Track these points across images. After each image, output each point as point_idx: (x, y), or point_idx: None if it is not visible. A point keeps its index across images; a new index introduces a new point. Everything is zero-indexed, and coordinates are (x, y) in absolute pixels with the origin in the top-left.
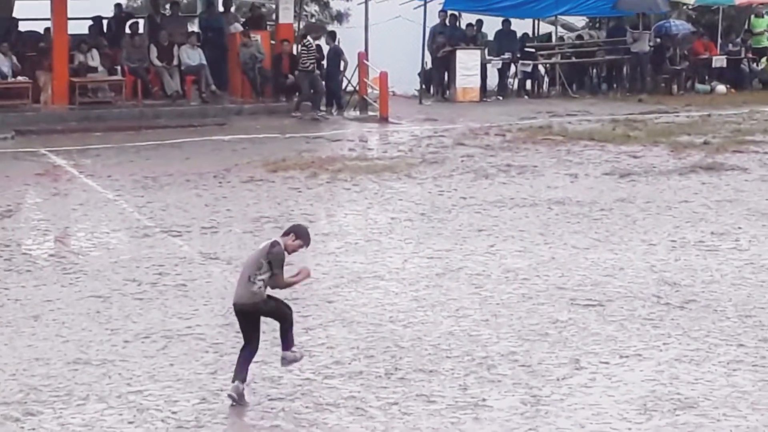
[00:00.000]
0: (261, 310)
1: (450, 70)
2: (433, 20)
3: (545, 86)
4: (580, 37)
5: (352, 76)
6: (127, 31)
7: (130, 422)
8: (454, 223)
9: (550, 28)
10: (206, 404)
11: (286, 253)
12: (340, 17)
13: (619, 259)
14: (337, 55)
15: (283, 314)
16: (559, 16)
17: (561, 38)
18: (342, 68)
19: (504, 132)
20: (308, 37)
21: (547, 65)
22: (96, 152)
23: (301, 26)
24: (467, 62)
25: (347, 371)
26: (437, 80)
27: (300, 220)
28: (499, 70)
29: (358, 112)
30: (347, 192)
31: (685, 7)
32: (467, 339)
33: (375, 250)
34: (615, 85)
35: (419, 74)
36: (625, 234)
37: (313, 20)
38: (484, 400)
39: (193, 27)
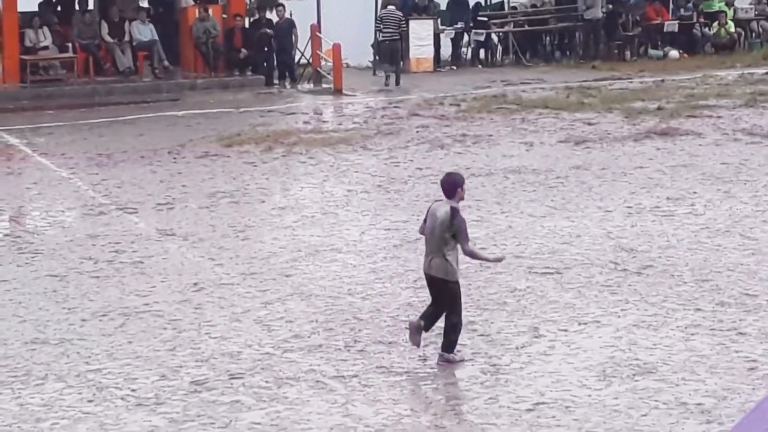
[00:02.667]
0: (445, 289)
1: (403, 41)
2: None
3: (499, 55)
4: (533, 5)
5: (305, 48)
6: (77, 7)
7: (90, 401)
8: (410, 194)
9: None
10: (166, 381)
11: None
12: None
13: (576, 226)
14: (289, 27)
15: (456, 308)
16: None
17: (513, 7)
18: (294, 41)
19: (458, 102)
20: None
21: (500, 34)
22: (49, 130)
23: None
24: (420, 32)
25: (306, 345)
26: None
27: (256, 194)
28: (452, 39)
29: (311, 85)
30: (303, 165)
31: None
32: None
33: (332, 223)
34: (568, 53)
35: (372, 45)
36: (581, 201)
37: None
38: (443, 370)
39: (144, 2)
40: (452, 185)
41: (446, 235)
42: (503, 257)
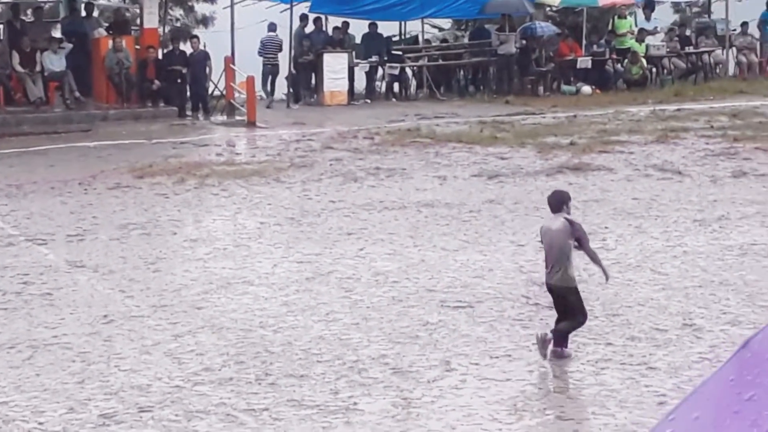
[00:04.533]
0: (568, 298)
1: (317, 74)
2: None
3: (413, 89)
4: (444, 40)
5: (219, 80)
6: None
7: None
8: (323, 227)
9: (417, 31)
10: (74, 414)
11: None
12: (205, 21)
13: (488, 260)
14: (203, 59)
15: (578, 316)
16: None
17: (427, 41)
18: (208, 72)
19: (372, 135)
20: None
21: (414, 68)
22: None
23: (166, 31)
24: (334, 65)
25: (217, 378)
26: (304, 84)
27: (167, 226)
28: (366, 73)
29: (225, 117)
30: (215, 197)
31: (549, 9)
32: (338, 343)
33: (244, 256)
34: (482, 87)
35: (286, 78)
36: (494, 235)
37: (178, 24)
38: (355, 404)
39: (56, 32)
40: (559, 201)
41: (569, 242)
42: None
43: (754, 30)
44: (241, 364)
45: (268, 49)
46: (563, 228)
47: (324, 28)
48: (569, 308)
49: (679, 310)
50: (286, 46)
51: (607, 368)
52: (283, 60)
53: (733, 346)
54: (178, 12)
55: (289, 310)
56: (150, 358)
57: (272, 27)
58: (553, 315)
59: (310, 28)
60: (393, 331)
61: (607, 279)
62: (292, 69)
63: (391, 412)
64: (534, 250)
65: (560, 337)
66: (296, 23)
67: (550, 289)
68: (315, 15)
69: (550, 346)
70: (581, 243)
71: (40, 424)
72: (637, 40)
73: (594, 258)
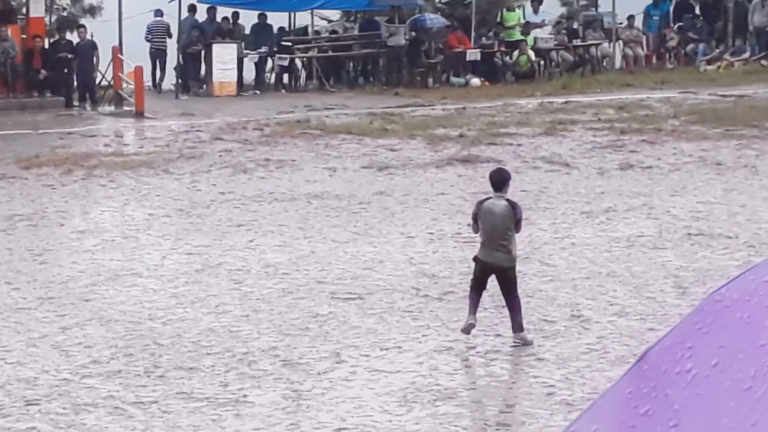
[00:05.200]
0: (509, 276)
1: (207, 64)
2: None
3: (302, 80)
4: (334, 31)
5: (106, 70)
6: None
7: None
8: (212, 218)
9: (307, 22)
10: None
11: None
12: (92, 10)
13: (378, 252)
14: (91, 48)
15: (516, 290)
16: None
17: (317, 32)
18: (96, 62)
19: (262, 126)
20: None
21: (304, 59)
22: None
23: (52, 20)
24: (224, 56)
25: (105, 370)
26: (193, 74)
27: (55, 217)
28: (256, 64)
29: (113, 107)
30: (103, 188)
31: (438, 1)
32: (228, 335)
33: (132, 247)
34: (372, 79)
35: (175, 68)
36: (384, 227)
37: (65, 14)
38: (245, 396)
39: None
40: (504, 179)
41: (510, 225)
42: None
43: (640, 23)
44: (129, 356)
45: (155, 34)
46: (507, 211)
47: (215, 19)
48: (512, 284)
49: (567, 302)
50: (174, 31)
51: (496, 359)
52: (172, 49)
53: (621, 337)
54: (64, 1)
55: (179, 302)
56: (37, 351)
57: (159, 12)
58: (442, 307)
59: (200, 18)
60: (283, 323)
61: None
62: (180, 59)
63: (281, 404)
64: (424, 242)
65: (517, 325)
66: (186, 13)
67: (490, 267)
68: (207, 5)
69: (515, 336)
70: (518, 226)
71: None
72: (522, 33)
73: (519, 230)
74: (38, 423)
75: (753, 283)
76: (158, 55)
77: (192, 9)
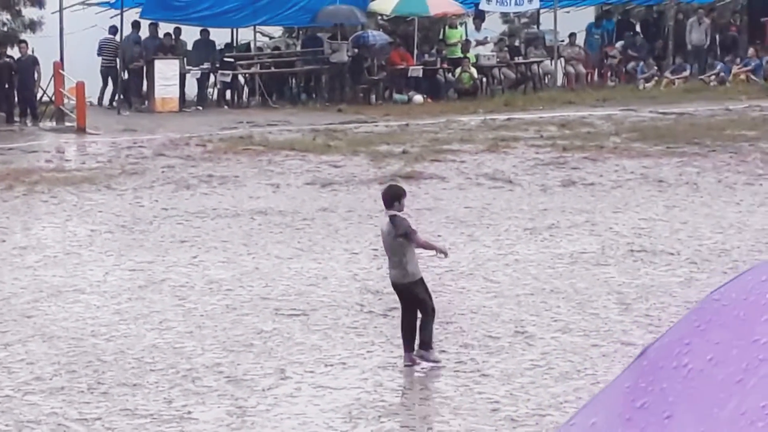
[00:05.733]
0: (413, 291)
1: (148, 80)
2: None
3: (245, 96)
4: (276, 47)
5: (48, 86)
6: None
7: None
8: (156, 234)
9: (249, 38)
10: None
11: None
12: (33, 26)
13: (323, 268)
14: (32, 64)
15: (424, 306)
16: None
17: (260, 48)
18: (37, 78)
19: (205, 142)
20: None
21: (247, 75)
22: None
23: None
24: (166, 72)
25: (48, 387)
26: (135, 90)
27: None
28: (198, 79)
29: (54, 123)
30: (45, 204)
31: (380, 17)
32: (171, 351)
33: (75, 263)
34: (314, 95)
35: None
36: (328, 243)
37: (5, 29)
38: (189, 412)
39: None
40: (392, 196)
41: (398, 240)
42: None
43: (581, 41)
44: (72, 373)
45: (106, 51)
46: (388, 229)
47: (157, 35)
48: (417, 301)
49: (511, 318)
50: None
51: (440, 375)
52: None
53: (564, 353)
54: (4, 16)
55: (122, 318)
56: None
57: (113, 30)
58: (386, 323)
59: (144, 33)
60: (227, 340)
61: (446, 256)
62: (122, 75)
63: (225, 421)
64: (368, 258)
65: (422, 343)
66: (128, 29)
67: (394, 286)
68: (150, 21)
69: (417, 354)
70: (408, 237)
71: None
72: (464, 50)
73: (426, 246)
74: None
75: (750, 282)
76: (109, 72)
77: (135, 25)
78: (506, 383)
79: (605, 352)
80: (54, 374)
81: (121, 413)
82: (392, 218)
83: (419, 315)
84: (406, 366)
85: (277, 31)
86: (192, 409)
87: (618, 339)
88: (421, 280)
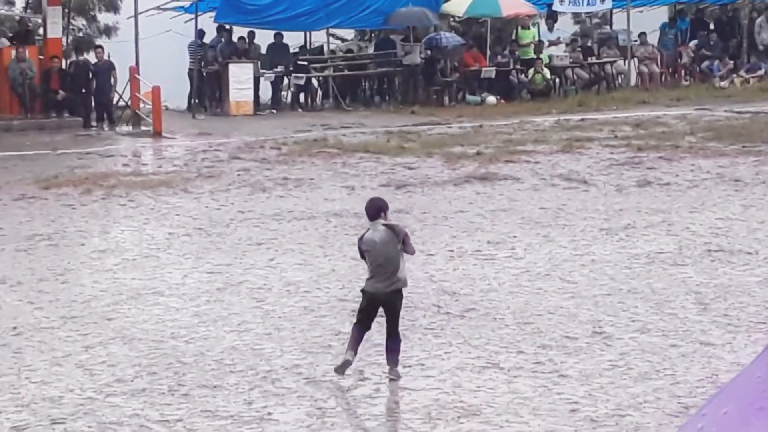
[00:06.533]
0: (398, 305)
1: (223, 84)
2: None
3: (319, 99)
4: (349, 50)
5: (124, 90)
6: None
7: None
8: (232, 237)
9: (322, 41)
10: None
11: None
12: (108, 31)
13: None
14: (108, 69)
15: (397, 324)
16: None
17: (333, 51)
18: (113, 83)
19: (279, 145)
20: None
21: (320, 78)
22: None
23: (69, 41)
24: (240, 76)
25: (130, 389)
26: (210, 94)
27: (75, 237)
28: (272, 83)
29: (130, 128)
30: (123, 208)
31: (453, 19)
32: (251, 353)
33: (153, 266)
34: (388, 97)
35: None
36: None
37: (81, 35)
38: (269, 413)
39: None
40: (376, 209)
41: (398, 247)
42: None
43: (654, 40)
44: (153, 375)
45: (190, 55)
46: (388, 237)
47: (231, 39)
48: (395, 315)
49: (588, 318)
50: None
51: (519, 376)
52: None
53: (643, 353)
54: (80, 22)
55: (201, 320)
56: (61, 370)
57: (200, 34)
58: (463, 324)
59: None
60: (305, 341)
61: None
62: (197, 79)
63: (305, 422)
64: (444, 259)
65: (396, 360)
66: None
67: (379, 298)
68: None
69: (391, 371)
70: (406, 243)
71: None
72: (535, 51)
73: (412, 251)
74: None
75: None
76: (192, 75)
77: (219, 30)
78: (585, 384)
79: (684, 353)
80: (135, 376)
81: (201, 414)
82: (389, 226)
83: (390, 331)
84: (338, 370)
85: (349, 33)
86: (272, 410)
87: (697, 339)
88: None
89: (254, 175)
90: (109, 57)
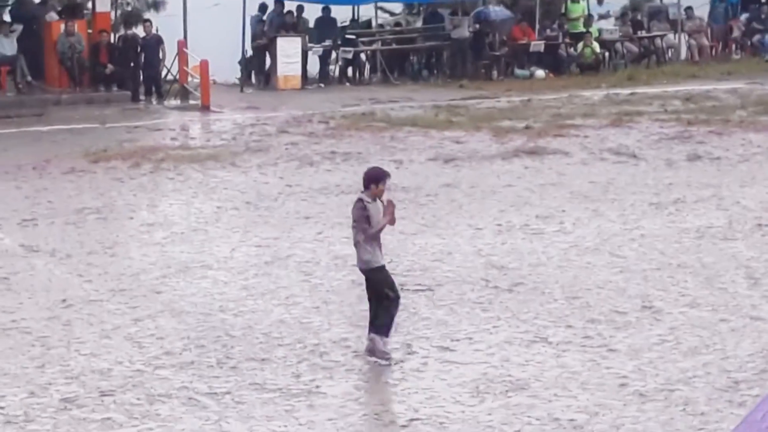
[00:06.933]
0: (369, 278)
1: (271, 58)
2: (253, 8)
3: (367, 73)
4: (398, 24)
5: (172, 64)
6: None
7: None
8: (280, 211)
9: (370, 15)
10: (35, 398)
11: (366, 203)
12: (156, 5)
13: (447, 243)
14: (156, 43)
15: (382, 293)
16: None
17: (381, 25)
18: (162, 56)
19: (327, 119)
20: None
21: (368, 52)
22: None
23: (117, 14)
24: (288, 50)
25: (178, 362)
26: (258, 68)
27: (124, 210)
28: (320, 57)
29: (178, 101)
30: (171, 182)
31: None
32: (298, 326)
33: (202, 240)
34: (436, 71)
35: (240, 62)
36: (452, 219)
37: (130, 8)
38: (317, 387)
39: (6, 16)
40: (368, 178)
41: (354, 224)
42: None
43: (703, 14)
44: (201, 348)
45: (254, 28)
46: (352, 213)
47: (281, 13)
48: (375, 290)
49: (637, 293)
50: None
51: (568, 351)
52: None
53: (693, 327)
54: None
55: (249, 294)
56: (110, 342)
57: (262, 7)
58: (512, 298)
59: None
60: (353, 315)
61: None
62: (245, 53)
63: (353, 395)
64: (492, 233)
65: (377, 326)
66: (249, 7)
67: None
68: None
69: (369, 342)
70: (356, 221)
71: (1, 408)
72: (584, 25)
73: (374, 234)
74: (113, 413)
75: None
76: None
77: (262, 8)
78: (634, 358)
79: (734, 327)
80: (184, 349)
81: (250, 387)
82: (355, 202)
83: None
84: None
85: (398, 7)
86: (320, 383)
87: (747, 314)
88: (380, 269)
89: (302, 149)
90: (157, 31)
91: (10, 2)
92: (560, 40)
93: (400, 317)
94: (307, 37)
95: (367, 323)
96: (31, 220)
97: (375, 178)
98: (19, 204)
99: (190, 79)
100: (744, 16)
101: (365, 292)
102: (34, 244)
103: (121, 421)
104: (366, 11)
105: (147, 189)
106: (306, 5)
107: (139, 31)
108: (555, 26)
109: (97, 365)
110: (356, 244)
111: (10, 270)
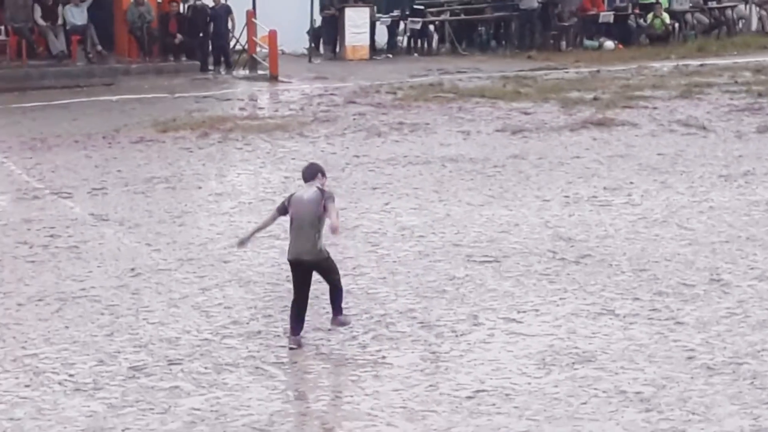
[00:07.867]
0: (321, 267)
1: (339, 28)
2: None
3: (435, 44)
4: None
5: (241, 34)
6: None
7: (27, 385)
8: (348, 181)
9: None
10: (104, 366)
11: None
12: None
13: (514, 215)
14: (225, 13)
15: (334, 279)
16: None
17: None
18: (231, 27)
19: (395, 90)
20: None
21: (436, 22)
22: None
23: None
24: (356, 20)
25: (246, 331)
26: (326, 38)
27: (192, 180)
28: (388, 27)
29: (247, 71)
30: (239, 151)
31: None
32: (365, 297)
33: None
34: (504, 42)
35: (308, 32)
36: (519, 190)
37: None
38: (383, 357)
39: None
40: (313, 171)
41: (320, 210)
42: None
43: None
44: (269, 317)
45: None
46: (316, 197)
47: None
48: (331, 278)
49: (706, 266)
50: None
51: (635, 323)
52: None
53: (761, 301)
54: None
55: None
56: (178, 311)
57: None
58: (579, 270)
59: None
60: (420, 286)
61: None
62: (314, 23)
63: (419, 366)
64: (560, 205)
65: (338, 309)
66: None
67: (305, 263)
68: None
69: (334, 319)
70: (327, 206)
71: (71, 376)
72: None
73: (333, 219)
74: (181, 382)
75: None
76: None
77: None
78: (702, 331)
79: None
80: (251, 318)
81: (316, 357)
82: (321, 189)
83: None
84: (291, 349)
85: None
86: (386, 354)
87: None
88: (329, 255)
89: (369, 119)
90: (226, 1)
91: None
92: (630, 11)
93: (466, 288)
94: (375, 8)
95: (435, 295)
96: (100, 189)
97: (322, 171)
98: (89, 173)
99: (258, 49)
100: None
101: (432, 264)
102: (104, 213)
103: (188, 390)
104: None
105: (215, 159)
106: None
107: (209, 1)
108: None
109: (165, 334)
110: (318, 232)
111: (80, 239)
